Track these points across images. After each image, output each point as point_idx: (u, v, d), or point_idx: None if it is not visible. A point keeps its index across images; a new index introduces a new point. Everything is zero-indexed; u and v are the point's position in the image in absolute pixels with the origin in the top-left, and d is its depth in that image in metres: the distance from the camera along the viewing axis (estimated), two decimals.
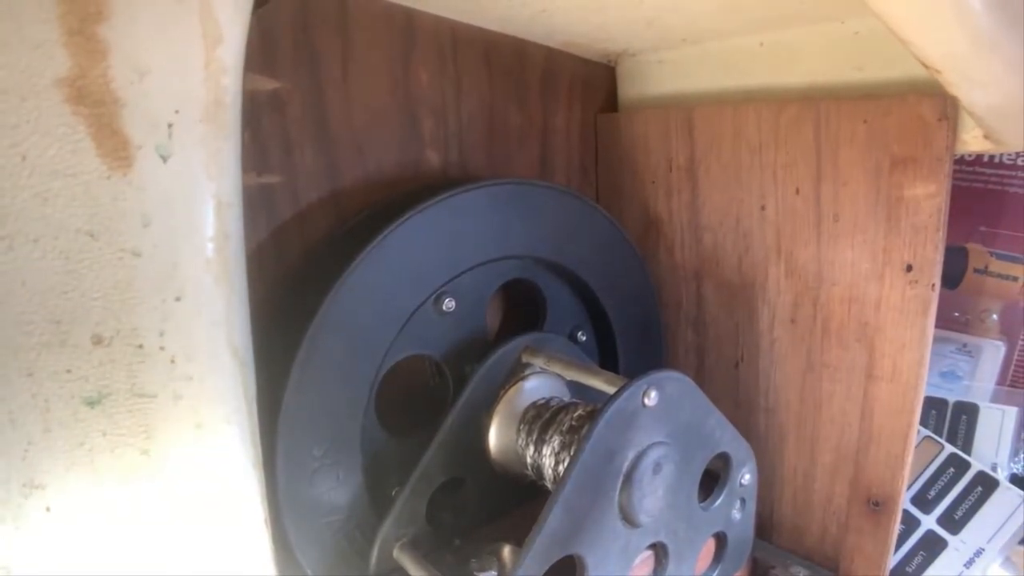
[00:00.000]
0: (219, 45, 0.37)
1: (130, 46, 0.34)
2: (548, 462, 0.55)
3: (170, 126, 0.36)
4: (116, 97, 0.34)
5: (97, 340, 0.36)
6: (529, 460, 0.57)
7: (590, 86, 0.80)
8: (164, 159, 0.36)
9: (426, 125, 0.66)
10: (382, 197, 0.63)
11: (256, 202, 0.56)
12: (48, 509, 0.36)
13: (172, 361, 0.38)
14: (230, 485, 0.41)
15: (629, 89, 0.80)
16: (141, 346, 0.37)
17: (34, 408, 0.35)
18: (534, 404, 0.60)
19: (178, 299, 0.37)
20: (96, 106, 0.34)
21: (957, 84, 0.47)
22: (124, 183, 0.35)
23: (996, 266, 0.94)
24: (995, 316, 0.96)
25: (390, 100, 0.63)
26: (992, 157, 0.95)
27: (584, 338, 0.73)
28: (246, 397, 0.42)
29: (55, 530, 0.36)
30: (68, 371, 0.35)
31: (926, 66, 0.44)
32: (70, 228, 0.34)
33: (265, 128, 0.56)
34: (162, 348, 0.37)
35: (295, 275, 0.58)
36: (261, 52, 0.54)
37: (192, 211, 0.37)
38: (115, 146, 0.34)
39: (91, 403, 0.36)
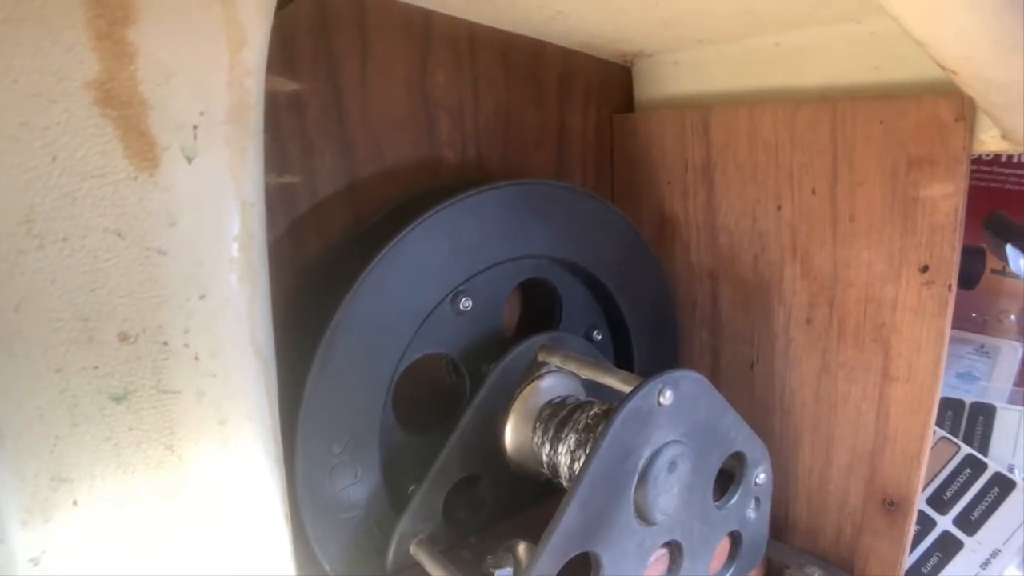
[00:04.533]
0: (243, 48, 0.37)
1: (157, 49, 0.35)
2: (564, 460, 0.56)
3: (195, 128, 0.36)
4: (143, 99, 0.35)
5: (123, 337, 0.36)
6: (545, 458, 0.58)
7: (606, 87, 0.80)
8: (189, 160, 0.36)
9: (443, 125, 0.66)
10: (400, 197, 0.63)
11: (275, 202, 0.56)
12: (75, 503, 0.36)
13: (196, 358, 0.38)
14: (252, 480, 0.42)
15: (645, 90, 0.80)
16: (166, 343, 0.37)
17: (62, 403, 0.35)
18: (550, 403, 0.60)
19: (202, 297, 0.38)
20: (124, 108, 0.34)
21: (974, 85, 0.47)
22: (151, 183, 0.36)
23: None
24: (1013, 317, 0.95)
25: (408, 101, 0.63)
26: (1011, 157, 0.94)
27: (599, 337, 0.73)
28: (268, 394, 0.42)
29: (82, 523, 0.37)
30: (95, 367, 0.36)
31: (942, 67, 0.44)
32: (98, 227, 0.35)
33: (284, 129, 0.56)
34: (186, 345, 0.38)
35: (314, 274, 0.59)
36: (280, 54, 0.55)
37: (217, 211, 0.38)
38: (142, 147, 0.35)
39: (117, 399, 0.37)
